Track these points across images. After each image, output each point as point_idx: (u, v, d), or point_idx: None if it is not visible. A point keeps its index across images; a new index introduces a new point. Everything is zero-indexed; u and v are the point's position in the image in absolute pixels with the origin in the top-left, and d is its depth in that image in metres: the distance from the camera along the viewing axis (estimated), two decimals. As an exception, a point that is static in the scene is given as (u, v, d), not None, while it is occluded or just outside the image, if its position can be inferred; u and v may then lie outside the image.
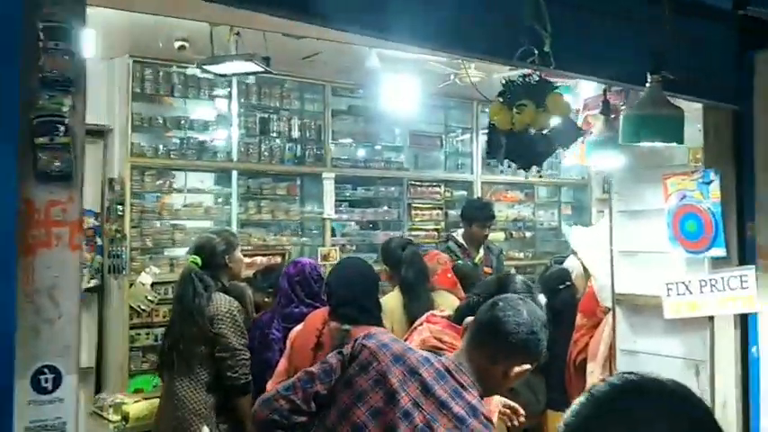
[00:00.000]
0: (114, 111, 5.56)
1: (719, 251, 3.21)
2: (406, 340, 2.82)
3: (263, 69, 4.52)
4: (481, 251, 5.45)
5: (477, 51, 2.37)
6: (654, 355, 3.62)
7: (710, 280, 3.25)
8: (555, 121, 1.80)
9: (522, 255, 8.19)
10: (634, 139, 2.30)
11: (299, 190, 6.57)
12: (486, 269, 5.45)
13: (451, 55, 3.89)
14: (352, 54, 5.00)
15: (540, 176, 3.18)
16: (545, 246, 8.40)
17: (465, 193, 7.69)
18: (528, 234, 8.31)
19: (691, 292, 3.31)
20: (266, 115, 6.33)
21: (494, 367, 1.92)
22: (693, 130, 3.40)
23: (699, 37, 3.10)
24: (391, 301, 3.84)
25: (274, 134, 6.34)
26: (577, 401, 1.19)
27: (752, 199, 3.32)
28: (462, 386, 1.86)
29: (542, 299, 5.40)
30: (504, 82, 1.92)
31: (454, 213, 7.41)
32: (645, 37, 2.63)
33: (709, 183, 3.24)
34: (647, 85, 2.26)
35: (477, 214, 5.37)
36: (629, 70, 2.50)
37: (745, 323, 3.31)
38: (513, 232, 8.24)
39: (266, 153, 6.23)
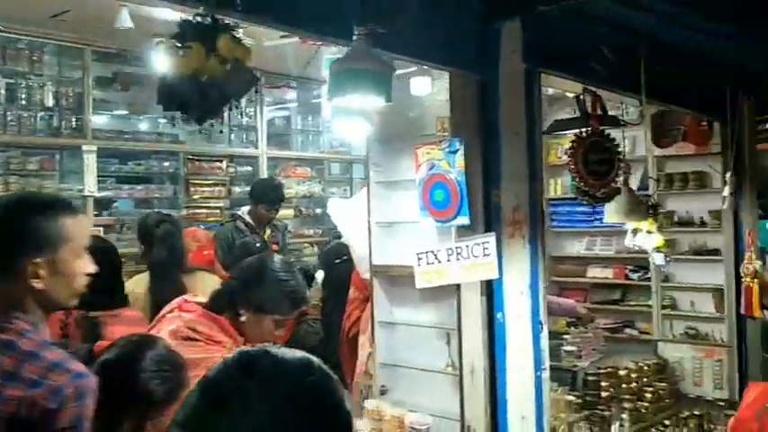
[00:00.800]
0: None
1: (464, 219, 3.22)
2: (152, 329, 2.52)
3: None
4: (268, 229, 5.32)
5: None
6: (409, 326, 3.61)
7: (456, 248, 3.25)
8: (228, 67, 1.60)
9: (311, 232, 8.08)
10: (340, 93, 2.18)
11: (58, 165, 5.92)
12: (274, 246, 5.29)
13: None
14: (100, 11, 4.50)
15: (221, 132, 2.98)
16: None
17: (251, 168, 7.40)
18: (318, 211, 8.20)
19: (439, 261, 3.30)
20: (13, 80, 5.61)
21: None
22: (443, 99, 3.39)
23: (440, 2, 3.06)
24: (136, 284, 3.49)
25: (23, 102, 5.64)
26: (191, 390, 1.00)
27: (498, 167, 3.36)
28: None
29: (320, 274, 5.30)
30: (178, 22, 1.68)
31: (239, 190, 7.11)
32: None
33: (455, 152, 3.23)
34: (354, 38, 2.13)
35: (267, 196, 5.24)
36: (335, 24, 2.33)
37: (491, 290, 3.36)
38: (303, 209, 8.10)
39: (14, 123, 5.52)
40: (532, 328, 3.53)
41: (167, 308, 2.55)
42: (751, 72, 5.27)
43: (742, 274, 4.41)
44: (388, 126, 3.54)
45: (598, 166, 2.74)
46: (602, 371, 5.22)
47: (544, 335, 3.64)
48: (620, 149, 2.80)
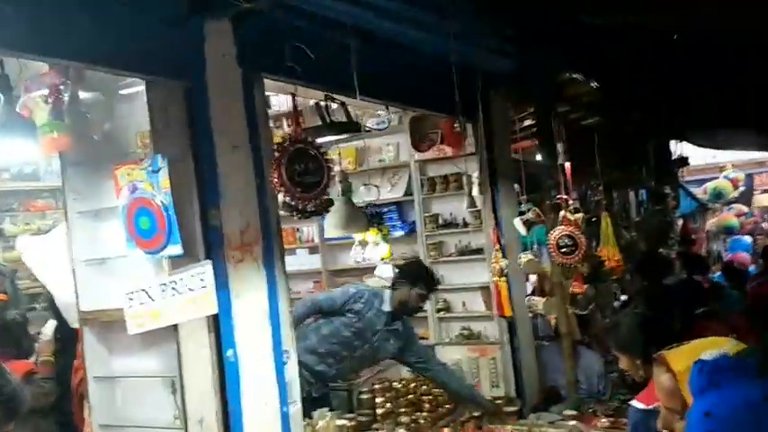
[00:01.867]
0: None
1: (175, 248, 2.78)
2: None
3: None
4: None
5: None
6: (132, 378, 3.09)
7: (171, 282, 2.81)
8: None
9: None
10: None
11: None
12: (1, 296, 4.49)
13: None
14: None
15: None
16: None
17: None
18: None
19: (153, 300, 2.84)
20: None
21: None
22: (142, 111, 2.93)
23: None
24: None
25: None
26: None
27: (215, 185, 2.96)
28: None
29: (50, 325, 4.54)
30: None
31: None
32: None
33: (157, 171, 2.78)
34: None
35: None
36: None
37: (218, 325, 2.95)
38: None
39: None
40: (275, 360, 3.18)
41: None
42: (504, 72, 5.34)
43: (490, 273, 4.39)
44: (84, 145, 3.02)
45: (305, 176, 2.44)
46: (376, 386, 5.03)
47: (291, 365, 3.30)
48: (328, 157, 2.52)
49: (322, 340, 4.47)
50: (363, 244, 2.99)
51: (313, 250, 6.56)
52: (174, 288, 2.79)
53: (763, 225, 16.55)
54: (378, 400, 4.86)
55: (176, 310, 2.78)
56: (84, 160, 3.04)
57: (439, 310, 6.06)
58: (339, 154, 6.34)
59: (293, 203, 2.42)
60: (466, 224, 5.96)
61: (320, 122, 3.93)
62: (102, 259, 3.07)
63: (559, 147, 5.39)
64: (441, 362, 5.15)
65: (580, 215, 5.15)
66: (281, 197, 2.42)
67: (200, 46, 2.98)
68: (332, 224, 2.62)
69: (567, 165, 5.33)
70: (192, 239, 2.87)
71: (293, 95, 2.97)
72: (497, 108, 5.69)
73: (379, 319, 4.49)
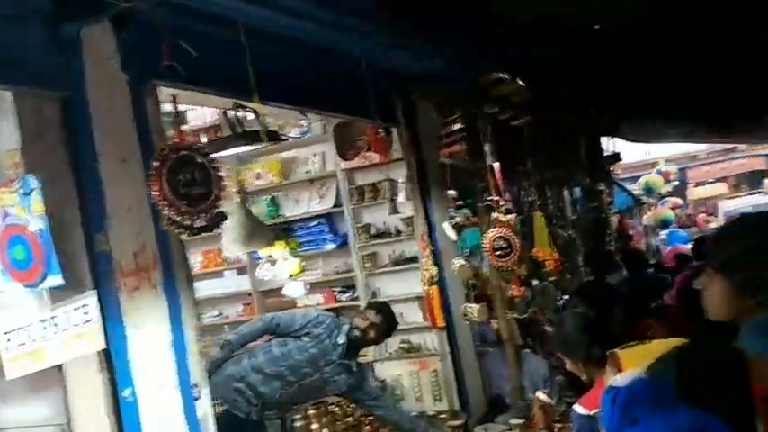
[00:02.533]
0: None
1: (56, 279, 2.45)
2: None
3: None
4: None
5: None
6: (20, 428, 2.74)
7: (51, 318, 2.48)
8: None
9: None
10: None
11: None
12: None
13: None
14: None
15: None
16: None
17: None
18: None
19: (33, 339, 2.50)
20: None
21: None
22: (12, 128, 2.60)
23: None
24: None
25: None
26: None
27: (100, 205, 2.65)
28: None
29: None
30: None
31: None
32: None
33: (29, 193, 2.46)
34: None
35: None
36: None
37: (111, 362, 2.63)
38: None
39: None
40: (183, 397, 2.87)
41: None
42: (427, 74, 5.15)
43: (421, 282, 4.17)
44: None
45: (192, 188, 2.16)
46: (311, 411, 4.74)
47: (204, 401, 3.00)
48: (217, 165, 2.24)
49: (271, 361, 4.14)
50: (272, 261, 2.72)
51: (241, 271, 6.21)
52: (55, 324, 2.46)
53: (698, 217, 16.91)
54: (313, 426, 4.58)
55: (59, 349, 2.46)
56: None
57: (376, 324, 5.81)
58: (263, 167, 6.08)
59: (178, 219, 2.13)
60: (398, 233, 5.74)
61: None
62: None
63: (487, 148, 5.22)
64: (391, 401, 4.89)
65: (513, 216, 4.97)
66: (165, 212, 2.13)
67: (76, 52, 2.67)
68: (231, 240, 2.34)
69: (497, 166, 5.16)
70: (76, 268, 2.56)
71: (174, 97, 2.69)
72: (423, 111, 5.52)
73: (335, 350, 4.17)
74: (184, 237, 2.22)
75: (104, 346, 2.44)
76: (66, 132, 2.63)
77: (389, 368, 5.70)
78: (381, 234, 5.80)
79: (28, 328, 2.49)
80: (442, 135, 5.92)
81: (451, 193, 6.02)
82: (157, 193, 2.11)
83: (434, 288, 4.24)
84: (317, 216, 5.94)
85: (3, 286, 2.53)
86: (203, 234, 2.23)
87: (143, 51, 2.87)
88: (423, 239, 4.54)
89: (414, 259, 5.59)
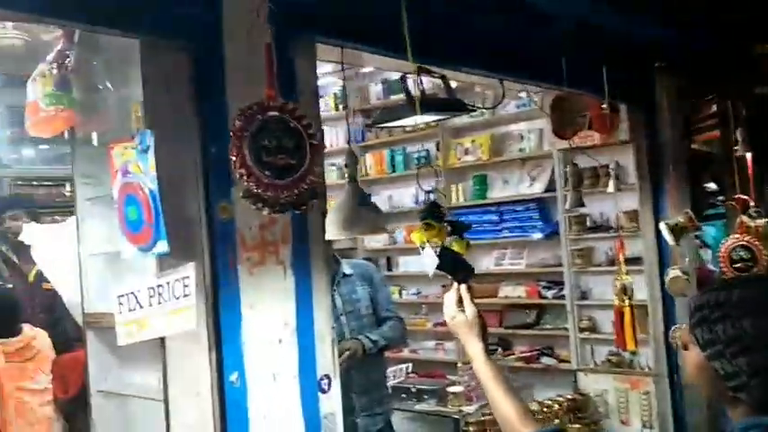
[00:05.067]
0: None
1: (162, 245, 2.25)
2: None
3: None
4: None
5: None
6: (137, 398, 2.64)
7: (158, 287, 2.29)
8: None
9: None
10: None
11: None
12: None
13: None
14: None
15: None
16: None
17: None
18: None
19: (141, 306, 2.34)
20: None
21: None
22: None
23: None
24: None
25: None
26: None
27: (226, 171, 2.40)
28: None
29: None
30: None
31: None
32: None
33: (146, 150, 2.27)
34: None
35: None
36: None
37: (221, 342, 2.40)
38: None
39: None
40: (303, 388, 2.56)
41: None
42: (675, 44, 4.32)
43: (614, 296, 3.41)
44: (95, 119, 2.61)
45: (278, 156, 1.77)
46: (486, 417, 4.23)
47: (331, 396, 2.67)
48: (312, 131, 1.81)
49: None
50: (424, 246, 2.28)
51: (445, 250, 5.84)
52: (160, 294, 2.27)
53: None
54: None
55: (160, 322, 2.26)
56: (90, 138, 2.64)
57: (582, 330, 5.09)
58: (473, 142, 5.61)
59: (258, 191, 1.77)
60: (620, 227, 4.93)
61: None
62: (113, 254, 2.63)
63: (738, 134, 4.22)
64: None
65: (762, 221, 3.96)
66: (243, 183, 1.80)
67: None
68: (332, 222, 1.94)
69: (749, 156, 4.15)
70: (192, 236, 2.34)
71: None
72: (661, 86, 4.62)
73: None
74: (265, 213, 1.87)
75: (193, 326, 2.19)
76: (194, 88, 2.40)
77: (594, 381, 4.96)
78: (598, 227, 5.04)
79: (138, 294, 2.33)
80: (695, 118, 5.00)
81: (711, 185, 5.08)
82: (235, 159, 1.77)
83: (626, 303, 3.47)
84: (528, 200, 5.34)
85: (122, 246, 2.40)
86: (288, 212, 1.86)
87: (299, 2, 2.57)
88: (619, 240, 3.76)
89: (636, 260, 4.78)
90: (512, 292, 5.48)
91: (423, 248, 2.38)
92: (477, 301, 5.13)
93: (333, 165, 6.79)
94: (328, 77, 6.39)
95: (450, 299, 1.92)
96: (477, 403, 4.56)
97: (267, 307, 2.47)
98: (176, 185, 2.34)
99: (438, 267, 1.91)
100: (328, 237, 2.05)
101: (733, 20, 4.18)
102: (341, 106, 6.61)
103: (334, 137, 6.80)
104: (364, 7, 2.75)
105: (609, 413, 4.90)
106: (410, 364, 5.14)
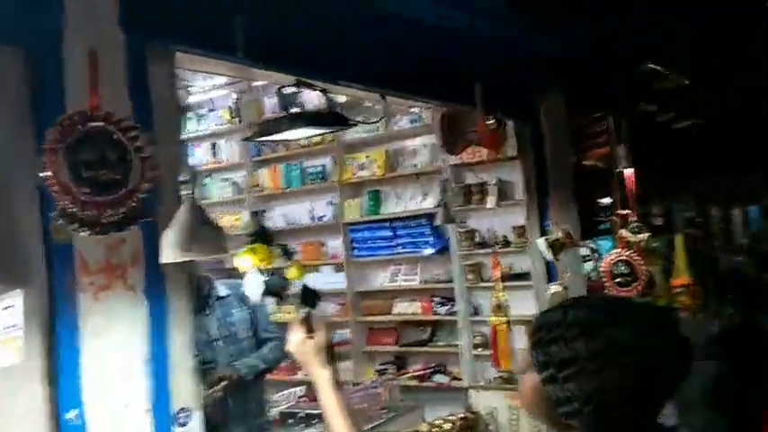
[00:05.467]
0: None
1: (-15, 271, 2.02)
2: None
3: None
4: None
5: None
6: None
7: (-20, 317, 2.06)
8: None
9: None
10: None
11: None
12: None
13: None
14: None
15: None
16: None
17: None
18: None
19: (-36, 338, 2.10)
20: None
21: None
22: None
23: None
24: None
25: None
26: None
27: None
28: None
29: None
30: None
31: None
32: None
33: (-33, 164, 2.04)
34: None
35: None
36: None
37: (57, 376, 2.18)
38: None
39: None
40: (156, 427, 2.36)
41: None
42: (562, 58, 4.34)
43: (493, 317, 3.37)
44: None
45: (100, 171, 1.59)
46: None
47: (191, 430, 2.48)
48: (139, 144, 1.65)
49: None
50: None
51: (339, 268, 5.72)
52: (-20, 325, 2.04)
53: None
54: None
55: (-20, 357, 2.03)
56: None
57: (475, 346, 5.06)
58: (367, 157, 5.53)
59: (73, 210, 1.59)
60: (507, 243, 4.94)
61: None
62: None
63: (620, 150, 4.30)
64: None
65: (643, 236, 4.02)
66: (58, 202, 1.60)
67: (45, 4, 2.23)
68: (169, 242, 1.78)
69: (629, 172, 4.23)
70: (21, 258, 2.12)
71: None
72: (548, 103, 4.67)
73: None
74: (84, 235, 1.68)
75: (17, 361, 1.97)
76: (31, 94, 2.19)
77: (484, 398, 4.93)
78: (485, 243, 5.04)
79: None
80: (586, 134, 5.09)
81: (606, 200, 5.15)
82: (52, 177, 1.58)
83: (501, 320, 3.43)
84: (420, 216, 5.29)
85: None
86: (112, 232, 1.67)
87: (156, 7, 2.40)
88: (494, 258, 3.74)
89: (525, 275, 4.80)
90: (406, 309, 5.41)
91: (247, 273, 2.26)
92: (371, 318, 5.03)
93: (225, 180, 6.57)
94: (220, 90, 6.24)
95: (297, 326, 1.79)
96: (370, 424, 4.44)
97: (115, 336, 2.27)
98: (5, 202, 2.12)
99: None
100: (164, 260, 1.88)
101: (616, 35, 4.26)
102: (236, 120, 6.43)
103: (229, 151, 6.60)
104: (221, 16, 2.61)
105: (499, 431, 4.88)
106: (303, 387, 4.97)
